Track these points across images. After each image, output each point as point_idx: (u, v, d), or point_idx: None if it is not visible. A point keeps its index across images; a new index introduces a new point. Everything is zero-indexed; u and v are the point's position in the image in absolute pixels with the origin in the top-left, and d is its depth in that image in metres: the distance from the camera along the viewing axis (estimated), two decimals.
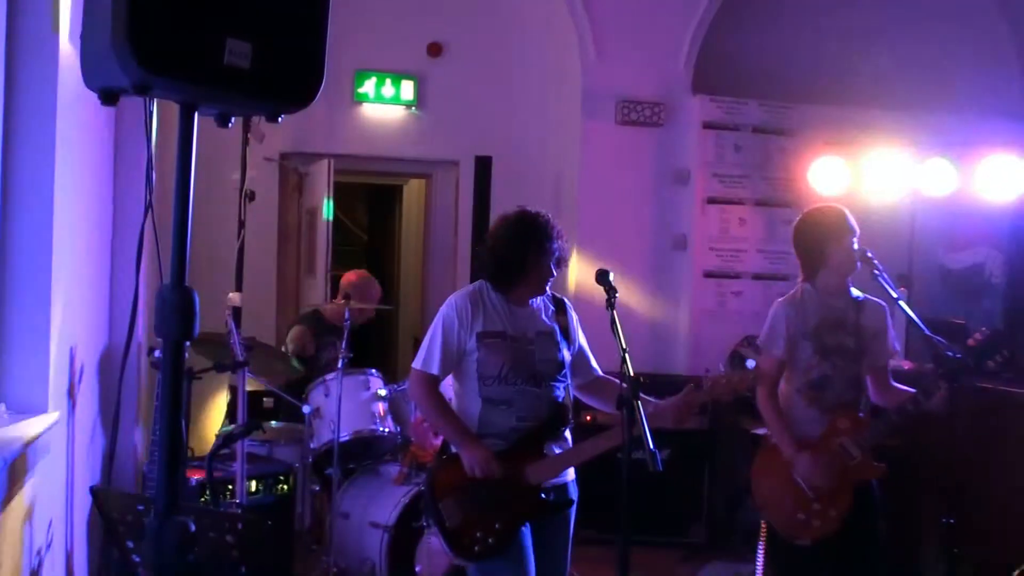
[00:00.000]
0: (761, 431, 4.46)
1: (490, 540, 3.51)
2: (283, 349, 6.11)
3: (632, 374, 3.26)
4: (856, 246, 4.11)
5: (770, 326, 4.19)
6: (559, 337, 3.71)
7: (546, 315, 3.75)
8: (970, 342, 3.98)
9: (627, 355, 3.31)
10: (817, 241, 4.15)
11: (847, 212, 4.17)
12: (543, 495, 3.60)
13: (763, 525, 4.51)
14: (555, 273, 3.69)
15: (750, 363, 4.44)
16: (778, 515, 4.15)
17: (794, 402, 4.15)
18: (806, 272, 4.22)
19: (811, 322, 4.13)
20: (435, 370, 3.62)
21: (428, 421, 4.06)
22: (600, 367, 3.90)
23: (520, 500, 3.56)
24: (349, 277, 6.39)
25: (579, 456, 3.69)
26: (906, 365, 6.04)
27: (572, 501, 3.72)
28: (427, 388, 3.65)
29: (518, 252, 3.62)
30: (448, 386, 3.84)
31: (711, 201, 7.16)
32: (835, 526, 4.02)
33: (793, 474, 4.05)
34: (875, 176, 6.55)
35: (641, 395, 3.28)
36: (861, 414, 4.13)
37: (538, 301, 3.75)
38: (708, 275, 7.17)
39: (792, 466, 4.05)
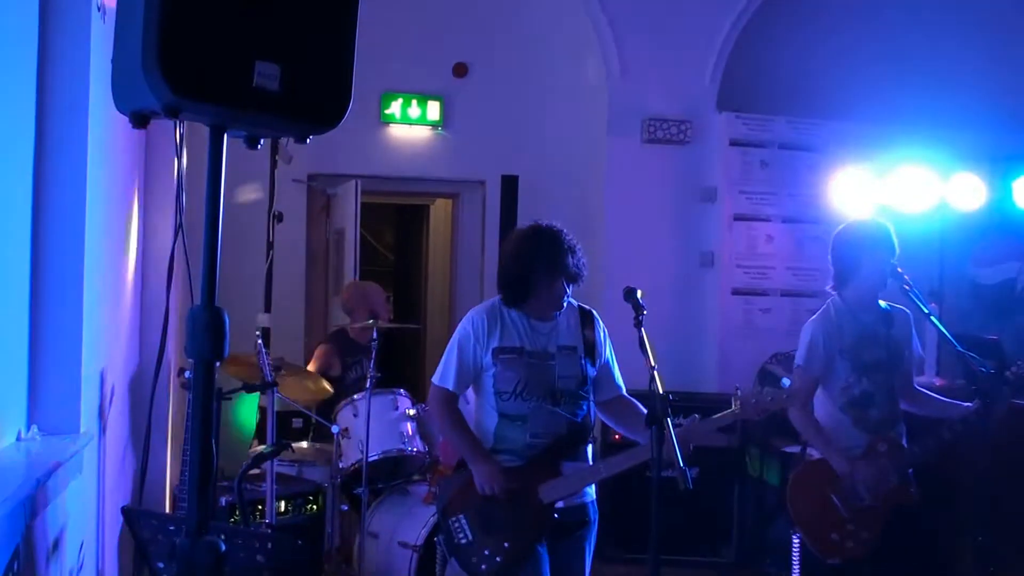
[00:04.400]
0: (792, 449, 4.42)
1: (498, 559, 3.45)
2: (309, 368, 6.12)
3: (661, 392, 3.22)
4: (891, 266, 4.08)
5: (808, 345, 4.13)
6: (583, 352, 3.64)
7: (570, 329, 3.66)
8: (1008, 375, 3.96)
9: (656, 373, 3.26)
10: (854, 252, 4.12)
11: (891, 231, 4.12)
12: (556, 514, 3.52)
13: (796, 541, 4.45)
14: (568, 290, 3.61)
15: (785, 381, 4.39)
16: (812, 533, 4.10)
17: (838, 421, 4.09)
18: (836, 282, 4.19)
19: (847, 339, 4.09)
20: (451, 386, 3.60)
21: (443, 435, 4.03)
22: (628, 385, 3.84)
23: (532, 518, 3.49)
24: (343, 295, 6.50)
25: (596, 474, 3.63)
26: (938, 381, 5.98)
27: (586, 521, 3.62)
28: (443, 403, 3.63)
29: (524, 268, 3.56)
30: (470, 399, 3.82)
31: (738, 218, 7.12)
32: (866, 548, 3.98)
33: (833, 491, 3.99)
34: (903, 191, 6.50)
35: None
36: (904, 440, 4.09)
37: (563, 314, 3.67)
38: (736, 292, 7.13)
39: (848, 477, 3.97)
